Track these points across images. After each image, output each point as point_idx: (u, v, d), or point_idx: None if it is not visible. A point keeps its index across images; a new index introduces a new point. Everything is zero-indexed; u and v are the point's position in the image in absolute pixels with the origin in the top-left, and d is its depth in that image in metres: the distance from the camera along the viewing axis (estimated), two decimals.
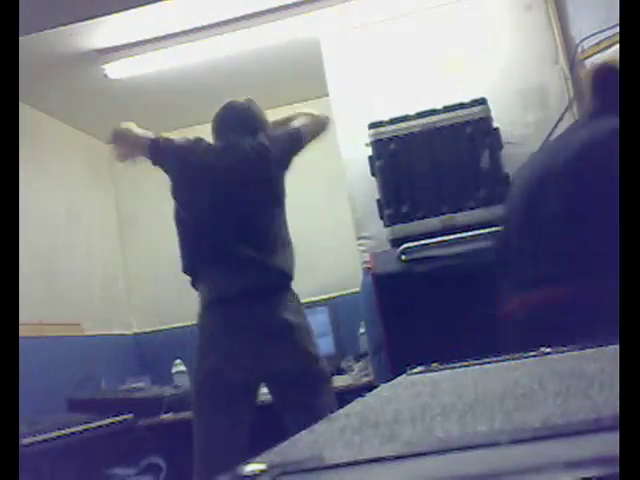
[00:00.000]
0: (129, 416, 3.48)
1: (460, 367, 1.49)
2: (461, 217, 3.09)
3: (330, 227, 4.37)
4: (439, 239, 3.06)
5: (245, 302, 2.41)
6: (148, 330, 4.58)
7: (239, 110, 2.88)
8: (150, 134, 2.75)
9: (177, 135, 4.72)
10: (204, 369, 2.43)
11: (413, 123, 3.17)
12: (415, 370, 1.58)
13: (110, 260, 4.56)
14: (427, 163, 3.14)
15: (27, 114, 3.84)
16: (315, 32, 3.59)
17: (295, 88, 4.32)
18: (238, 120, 2.84)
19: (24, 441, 2.69)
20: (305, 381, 2.42)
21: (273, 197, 2.63)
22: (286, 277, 2.54)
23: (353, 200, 3.49)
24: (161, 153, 2.65)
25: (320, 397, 2.38)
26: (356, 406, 1.04)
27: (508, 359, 1.47)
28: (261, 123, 2.86)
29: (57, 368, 3.60)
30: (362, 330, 3.81)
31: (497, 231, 2.99)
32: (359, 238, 3.46)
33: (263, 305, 2.42)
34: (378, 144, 3.17)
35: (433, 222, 3.10)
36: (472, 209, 3.09)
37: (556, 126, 3.32)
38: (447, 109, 3.16)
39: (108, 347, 4.24)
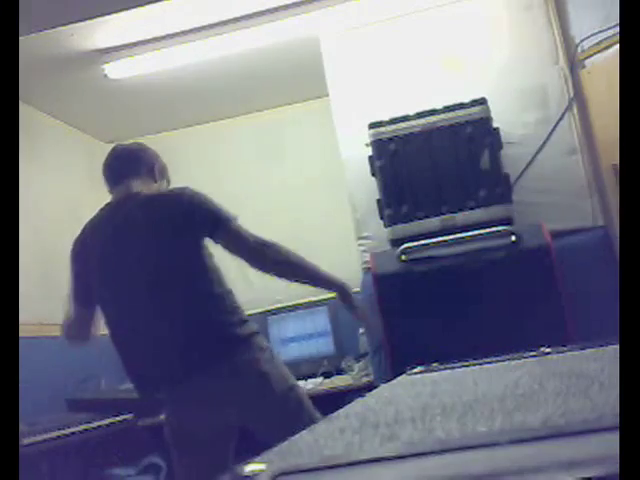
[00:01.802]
0: (129, 416, 3.48)
1: (460, 367, 1.49)
2: (461, 217, 3.09)
3: (330, 227, 4.37)
4: (439, 239, 3.05)
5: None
6: None
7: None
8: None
9: (173, 136, 4.74)
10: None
11: (413, 123, 3.16)
12: (415, 370, 1.58)
13: None
14: (427, 163, 3.14)
15: (27, 114, 3.84)
16: (315, 32, 3.59)
17: (295, 88, 4.33)
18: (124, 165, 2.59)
19: (24, 441, 2.68)
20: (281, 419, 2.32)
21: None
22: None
23: (353, 200, 3.49)
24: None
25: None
26: (356, 406, 1.04)
27: (508, 359, 1.47)
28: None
29: (57, 368, 3.59)
30: (362, 330, 3.81)
31: (498, 231, 3.00)
32: (359, 238, 3.46)
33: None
34: (378, 144, 3.17)
35: (433, 222, 3.10)
36: (472, 209, 3.08)
37: (556, 126, 3.33)
38: (447, 109, 3.16)
39: (108, 347, 4.23)
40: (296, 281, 2.41)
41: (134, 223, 2.38)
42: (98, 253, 2.42)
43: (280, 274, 2.38)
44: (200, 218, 2.34)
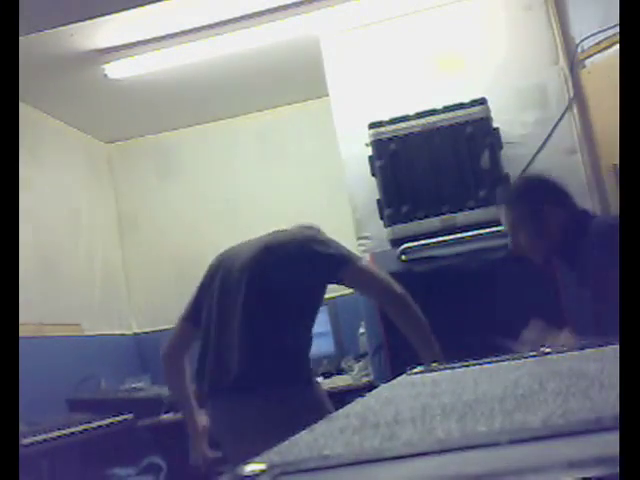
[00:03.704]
0: (129, 416, 3.48)
1: (460, 367, 1.49)
2: (461, 217, 3.09)
3: (330, 227, 4.36)
4: (439, 239, 3.05)
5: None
6: (148, 330, 4.58)
7: None
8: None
9: (173, 136, 4.74)
10: None
11: (413, 123, 3.16)
12: (415, 370, 1.58)
13: (110, 260, 4.56)
14: (427, 163, 3.14)
15: (27, 114, 3.84)
16: (315, 32, 3.59)
17: (295, 88, 4.32)
18: None
19: (24, 441, 2.68)
20: None
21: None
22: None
23: (353, 200, 3.49)
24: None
25: None
26: (356, 406, 1.04)
27: (508, 359, 1.47)
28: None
29: (57, 368, 3.59)
30: (362, 330, 3.81)
31: (498, 231, 2.99)
32: (359, 238, 3.46)
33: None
34: (378, 144, 3.17)
35: (433, 222, 3.10)
36: (472, 209, 3.08)
37: (556, 126, 3.33)
38: (447, 109, 3.16)
39: (108, 347, 4.24)
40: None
41: (256, 261, 2.37)
42: (222, 281, 2.42)
43: (397, 322, 2.42)
44: (324, 262, 2.32)
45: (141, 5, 3.10)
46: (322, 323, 4.10)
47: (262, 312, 2.32)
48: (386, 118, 3.19)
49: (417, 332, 2.39)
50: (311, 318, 2.40)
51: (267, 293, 2.33)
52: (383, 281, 2.37)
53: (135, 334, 4.60)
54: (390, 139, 3.16)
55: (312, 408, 2.28)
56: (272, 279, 2.34)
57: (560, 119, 3.33)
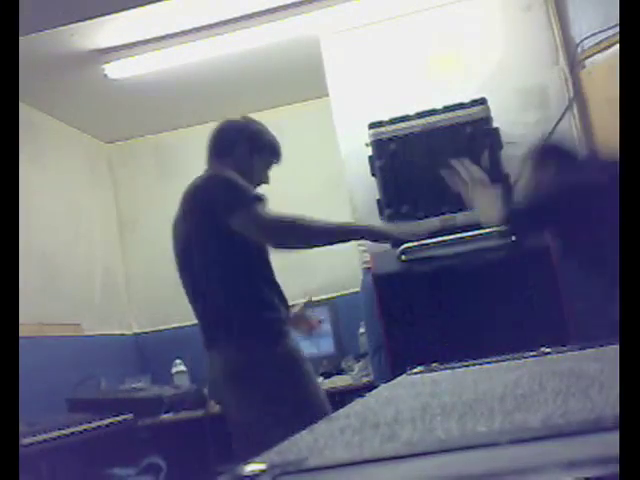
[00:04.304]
0: (129, 416, 3.48)
1: (460, 367, 1.49)
2: (461, 217, 3.08)
3: None
4: (439, 239, 3.05)
5: None
6: (148, 330, 4.58)
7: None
8: None
9: (173, 136, 4.74)
10: None
11: (413, 123, 3.16)
12: (415, 370, 1.58)
13: (110, 260, 4.56)
14: (427, 163, 3.14)
15: (27, 114, 3.84)
16: (315, 32, 3.59)
17: (295, 88, 4.32)
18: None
19: (24, 441, 2.68)
20: None
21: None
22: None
23: (353, 200, 3.49)
24: None
25: None
26: (356, 406, 1.04)
27: (508, 359, 1.47)
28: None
29: (57, 368, 3.59)
30: (362, 330, 3.81)
31: (498, 231, 3.00)
32: None
33: None
34: (378, 144, 3.17)
35: (433, 222, 3.10)
36: (472, 209, 3.08)
37: (556, 126, 3.33)
38: (447, 109, 3.16)
39: (108, 347, 4.24)
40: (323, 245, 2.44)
41: (180, 207, 2.59)
42: (175, 248, 2.68)
43: (302, 247, 2.49)
44: (215, 207, 2.39)
45: (141, 5, 3.10)
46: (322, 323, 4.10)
47: (199, 270, 2.48)
48: (386, 118, 3.19)
49: (340, 238, 2.47)
50: (250, 267, 2.38)
51: (195, 251, 2.49)
52: (265, 229, 2.39)
53: (135, 334, 4.60)
54: (390, 139, 3.16)
55: (278, 363, 2.30)
56: (196, 234, 2.48)
57: (560, 119, 3.33)
